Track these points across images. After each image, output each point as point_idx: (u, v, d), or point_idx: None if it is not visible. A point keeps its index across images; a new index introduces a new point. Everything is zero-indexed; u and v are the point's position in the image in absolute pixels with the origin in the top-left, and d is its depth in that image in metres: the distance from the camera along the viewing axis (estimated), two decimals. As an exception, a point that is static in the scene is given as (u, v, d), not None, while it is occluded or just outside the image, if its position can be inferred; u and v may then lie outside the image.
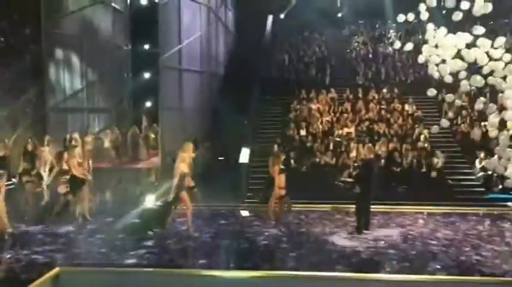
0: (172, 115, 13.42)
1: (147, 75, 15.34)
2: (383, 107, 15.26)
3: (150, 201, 9.19)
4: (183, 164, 8.26)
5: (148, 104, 15.50)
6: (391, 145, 13.09)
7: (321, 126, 14.35)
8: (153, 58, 13.21)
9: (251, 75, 15.90)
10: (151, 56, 14.03)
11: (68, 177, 9.11)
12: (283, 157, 10.54)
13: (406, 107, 15.21)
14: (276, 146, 12.35)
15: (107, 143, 12.88)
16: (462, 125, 14.12)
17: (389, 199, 10.89)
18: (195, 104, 15.37)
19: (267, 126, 15.33)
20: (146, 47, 15.69)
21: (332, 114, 15.13)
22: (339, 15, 22.03)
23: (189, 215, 8.47)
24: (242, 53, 18.18)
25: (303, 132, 14.15)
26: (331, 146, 13.26)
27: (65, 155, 9.27)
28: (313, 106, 15.36)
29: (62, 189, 9.08)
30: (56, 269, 6.30)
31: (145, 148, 13.02)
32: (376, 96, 15.80)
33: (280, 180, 9.43)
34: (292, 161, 12.90)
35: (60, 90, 12.87)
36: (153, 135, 13.48)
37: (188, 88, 14.74)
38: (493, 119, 8.92)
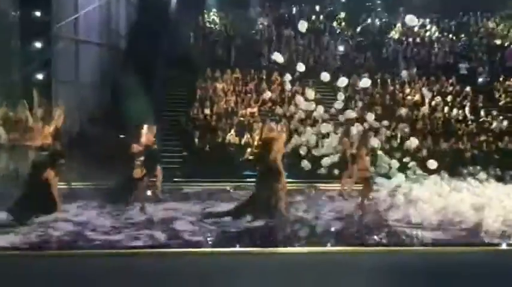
0: (68, 89, 12.55)
1: (38, 45, 14.05)
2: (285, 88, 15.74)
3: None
4: None
5: (40, 77, 14.26)
6: (291, 126, 13.64)
7: (225, 106, 14.44)
8: (46, 27, 12.15)
9: (155, 51, 15.38)
10: (43, 25, 12.88)
11: None
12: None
13: (307, 90, 15.84)
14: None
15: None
16: (356, 109, 15.08)
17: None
18: (93, 79, 14.51)
19: (171, 104, 15.02)
20: (38, 14, 14.32)
21: (236, 94, 15.28)
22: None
23: None
24: (146, 28, 17.42)
25: (207, 111, 14.12)
26: (234, 126, 13.44)
27: None
28: (218, 85, 15.38)
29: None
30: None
31: (37, 123, 12.01)
32: (279, 78, 16.22)
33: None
34: (196, 140, 12.89)
35: None
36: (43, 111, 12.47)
37: (86, 61, 13.87)
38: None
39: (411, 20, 12.06)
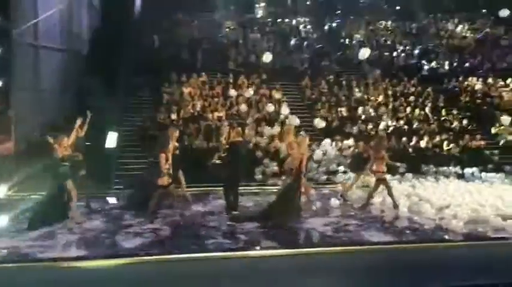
0: (28, 96, 12.20)
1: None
2: (252, 92, 15.79)
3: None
4: None
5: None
6: (259, 129, 13.70)
7: (192, 111, 14.35)
8: (4, 33, 11.78)
9: (119, 55, 15.13)
10: (1, 31, 12.49)
11: None
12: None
13: (274, 92, 15.97)
14: None
15: None
16: (322, 110, 15.27)
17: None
18: (55, 85, 14.15)
19: (136, 110, 14.80)
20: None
21: (203, 98, 15.21)
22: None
23: None
24: (109, 32, 17.14)
25: (174, 116, 13.99)
26: (202, 130, 13.36)
27: None
28: (185, 90, 15.28)
29: None
30: None
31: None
32: (246, 82, 16.27)
33: None
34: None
35: None
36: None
37: (46, 67, 13.50)
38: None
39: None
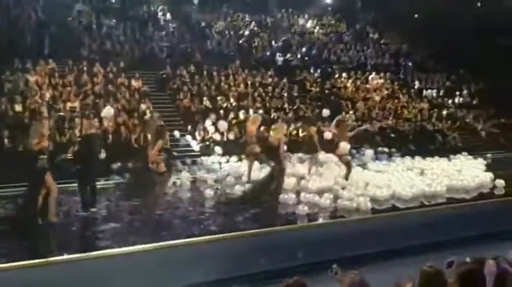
0: None
1: None
2: (109, 81, 14.94)
3: None
4: None
5: None
6: (119, 119, 13.02)
7: (40, 101, 12.97)
8: None
9: None
10: None
11: None
12: None
13: (133, 82, 15.32)
14: None
15: None
16: (184, 99, 15.16)
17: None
18: None
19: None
20: None
21: (53, 87, 13.88)
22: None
23: None
24: None
25: (18, 107, 12.51)
26: (52, 122, 12.18)
27: None
28: (31, 78, 13.73)
29: None
30: None
31: None
32: (102, 70, 15.30)
33: None
34: (6, 141, 11.32)
35: None
36: None
37: None
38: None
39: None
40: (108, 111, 11.09)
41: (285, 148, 10.33)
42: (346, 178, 10.68)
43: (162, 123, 9.84)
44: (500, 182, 11.40)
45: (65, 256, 6.44)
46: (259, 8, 22.81)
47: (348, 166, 10.86)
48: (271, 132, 10.20)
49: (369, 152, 14.32)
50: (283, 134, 10.21)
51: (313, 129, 11.73)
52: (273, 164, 9.77)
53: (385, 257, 7.72)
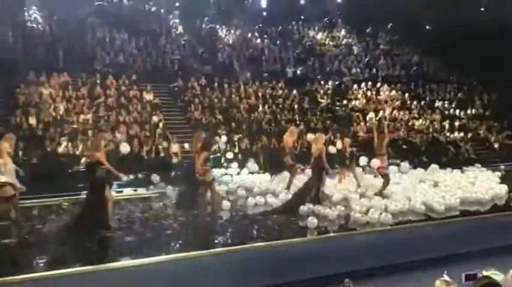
0: None
1: None
2: (121, 93, 15.10)
3: None
4: None
5: None
6: (131, 132, 13.14)
7: (54, 113, 13.16)
8: None
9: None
10: None
11: None
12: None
13: (145, 94, 15.46)
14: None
15: None
16: (195, 111, 15.23)
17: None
18: None
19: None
20: None
21: (67, 100, 14.06)
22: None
23: None
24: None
25: (32, 120, 12.69)
26: (66, 134, 12.34)
27: None
28: (45, 91, 13.94)
29: None
30: None
31: None
32: (115, 83, 15.48)
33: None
34: (20, 153, 11.45)
35: None
36: None
37: None
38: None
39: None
40: (125, 148, 11.30)
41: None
42: (382, 190, 10.66)
43: (204, 135, 9.79)
44: (516, 194, 11.22)
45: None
46: (270, 21, 22.95)
47: (386, 179, 10.79)
48: (312, 144, 10.19)
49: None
50: (322, 144, 10.08)
51: (347, 140, 11.82)
52: (312, 175, 9.90)
53: (397, 270, 7.60)
